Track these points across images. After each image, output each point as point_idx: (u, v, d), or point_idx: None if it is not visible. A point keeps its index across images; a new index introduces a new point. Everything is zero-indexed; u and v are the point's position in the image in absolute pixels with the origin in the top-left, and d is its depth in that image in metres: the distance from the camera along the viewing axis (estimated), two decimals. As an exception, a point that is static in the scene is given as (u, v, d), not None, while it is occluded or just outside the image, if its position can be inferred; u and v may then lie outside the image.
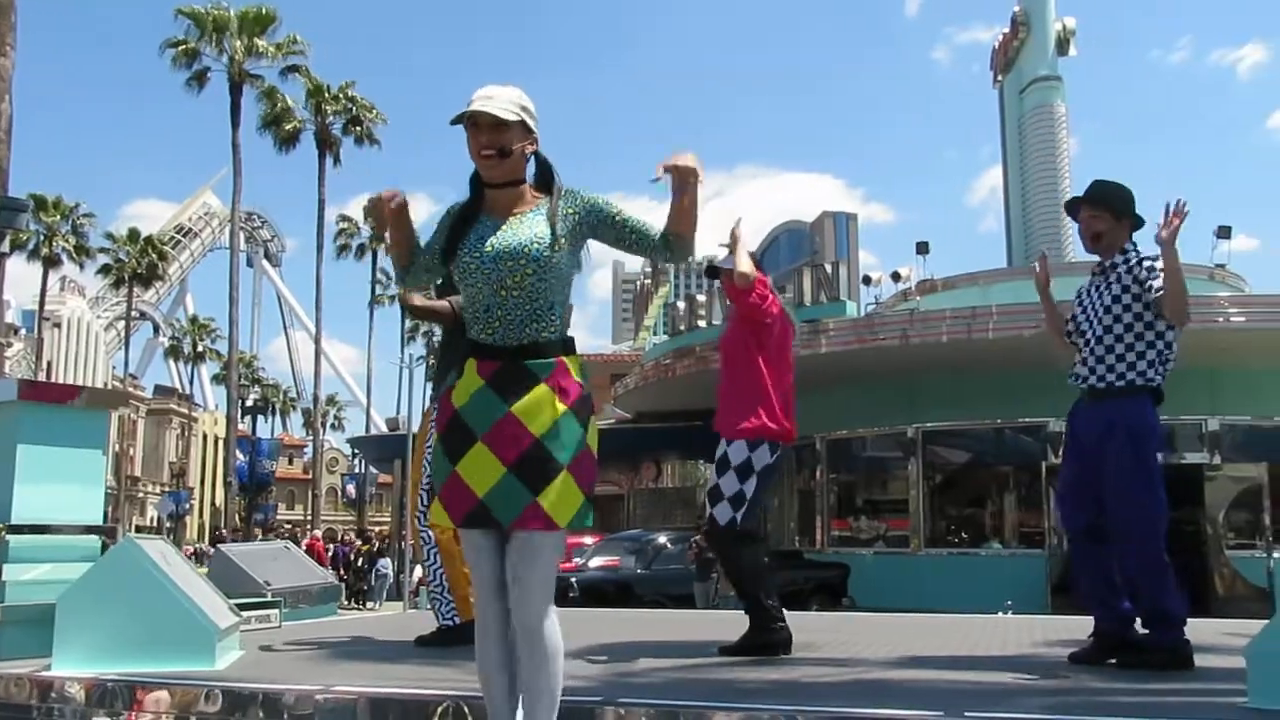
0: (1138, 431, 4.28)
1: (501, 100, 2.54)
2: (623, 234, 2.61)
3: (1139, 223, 4.55)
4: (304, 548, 23.82)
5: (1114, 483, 4.27)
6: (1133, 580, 4.30)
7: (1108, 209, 4.50)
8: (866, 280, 21.42)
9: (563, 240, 2.55)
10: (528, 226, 2.54)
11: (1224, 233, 20.82)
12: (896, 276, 21.54)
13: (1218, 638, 5.24)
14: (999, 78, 32.24)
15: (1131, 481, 4.25)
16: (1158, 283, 4.26)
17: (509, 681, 2.54)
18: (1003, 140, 32.55)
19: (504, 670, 2.54)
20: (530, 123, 2.58)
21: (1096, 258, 4.60)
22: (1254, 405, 16.73)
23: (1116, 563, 4.33)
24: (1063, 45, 30.89)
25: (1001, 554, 18.11)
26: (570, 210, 2.58)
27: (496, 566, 2.52)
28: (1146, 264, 4.35)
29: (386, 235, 2.64)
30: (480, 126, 2.55)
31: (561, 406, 2.46)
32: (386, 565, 24.25)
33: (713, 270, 5.20)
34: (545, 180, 2.65)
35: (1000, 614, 9.50)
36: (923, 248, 21.97)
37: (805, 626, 6.33)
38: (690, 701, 3.58)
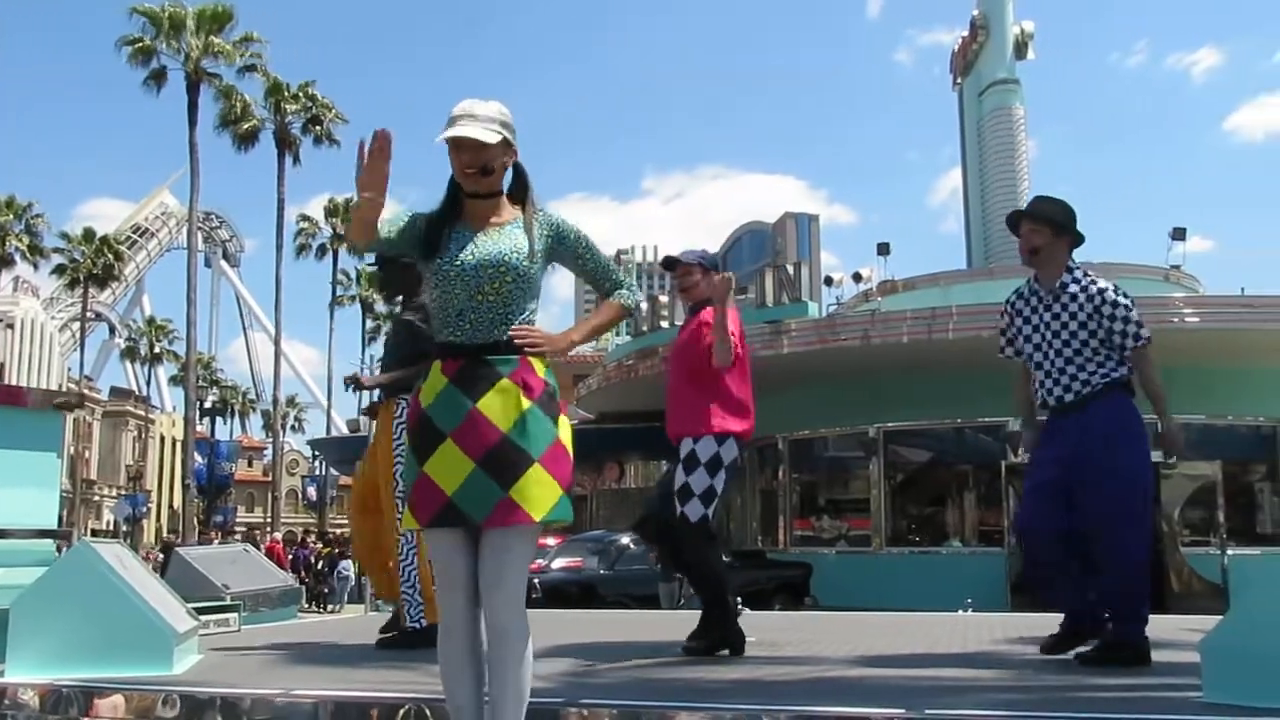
0: (1118, 428, 4.36)
1: (483, 120, 2.59)
2: (580, 270, 2.75)
3: (1078, 240, 4.63)
4: (263, 550, 23.63)
5: (1099, 480, 4.32)
6: (1115, 576, 4.33)
7: (1048, 224, 4.57)
8: (828, 281, 21.53)
9: (539, 254, 2.61)
10: (507, 238, 2.59)
11: (1179, 234, 21.13)
12: (858, 277, 21.67)
13: (1174, 634, 5.31)
14: (958, 80, 32.55)
15: (1117, 477, 4.33)
16: (1130, 343, 4.41)
17: (475, 685, 2.52)
18: (962, 143, 32.85)
19: (470, 672, 2.52)
20: (510, 138, 2.64)
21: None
22: (1208, 405, 16.96)
23: (1101, 559, 4.36)
24: (1021, 49, 31.22)
25: (962, 553, 18.27)
26: (544, 231, 2.66)
27: (464, 566, 2.51)
28: (1108, 305, 4.42)
29: (361, 182, 2.47)
30: (463, 147, 2.59)
31: (526, 402, 2.48)
32: (348, 567, 24.05)
33: (670, 262, 5.19)
34: (520, 189, 2.69)
35: (960, 612, 9.59)
36: (884, 249, 22.11)
37: (768, 626, 6.35)
38: (653, 702, 3.58)
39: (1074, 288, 4.49)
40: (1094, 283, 4.49)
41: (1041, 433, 4.65)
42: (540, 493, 2.43)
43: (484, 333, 2.53)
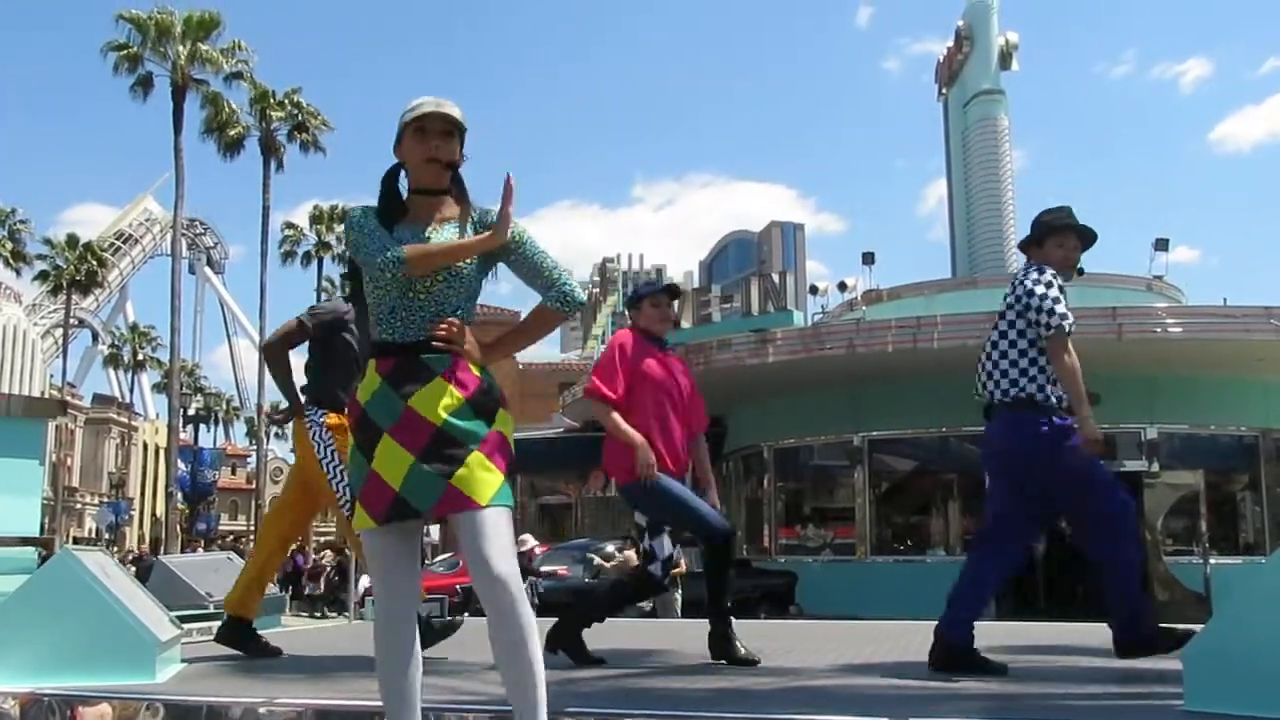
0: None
1: (449, 107, 2.58)
2: (516, 268, 2.63)
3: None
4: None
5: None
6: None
7: (1084, 242, 4.75)
8: (813, 290, 21.62)
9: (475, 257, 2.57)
10: (444, 236, 2.56)
11: (1162, 245, 21.32)
12: (843, 286, 21.76)
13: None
14: (943, 91, 32.72)
15: None
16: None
17: (417, 674, 2.51)
18: (947, 153, 33.02)
19: (414, 663, 2.51)
20: (463, 138, 2.64)
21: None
22: (1191, 414, 17.07)
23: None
24: (1005, 59, 31.43)
25: (946, 561, 18.31)
26: (483, 230, 2.59)
27: (408, 565, 2.52)
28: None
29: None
30: (430, 133, 2.56)
31: (460, 397, 2.46)
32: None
33: (674, 290, 5.28)
34: (459, 188, 2.67)
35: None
36: (869, 258, 22.20)
37: (753, 635, 6.35)
38: (637, 711, 3.59)
39: None
40: None
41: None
42: (482, 477, 2.42)
43: (416, 330, 2.50)
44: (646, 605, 13.76)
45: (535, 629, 2.41)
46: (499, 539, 2.41)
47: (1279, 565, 3.31)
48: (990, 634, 6.65)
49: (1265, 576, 3.36)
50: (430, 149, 2.57)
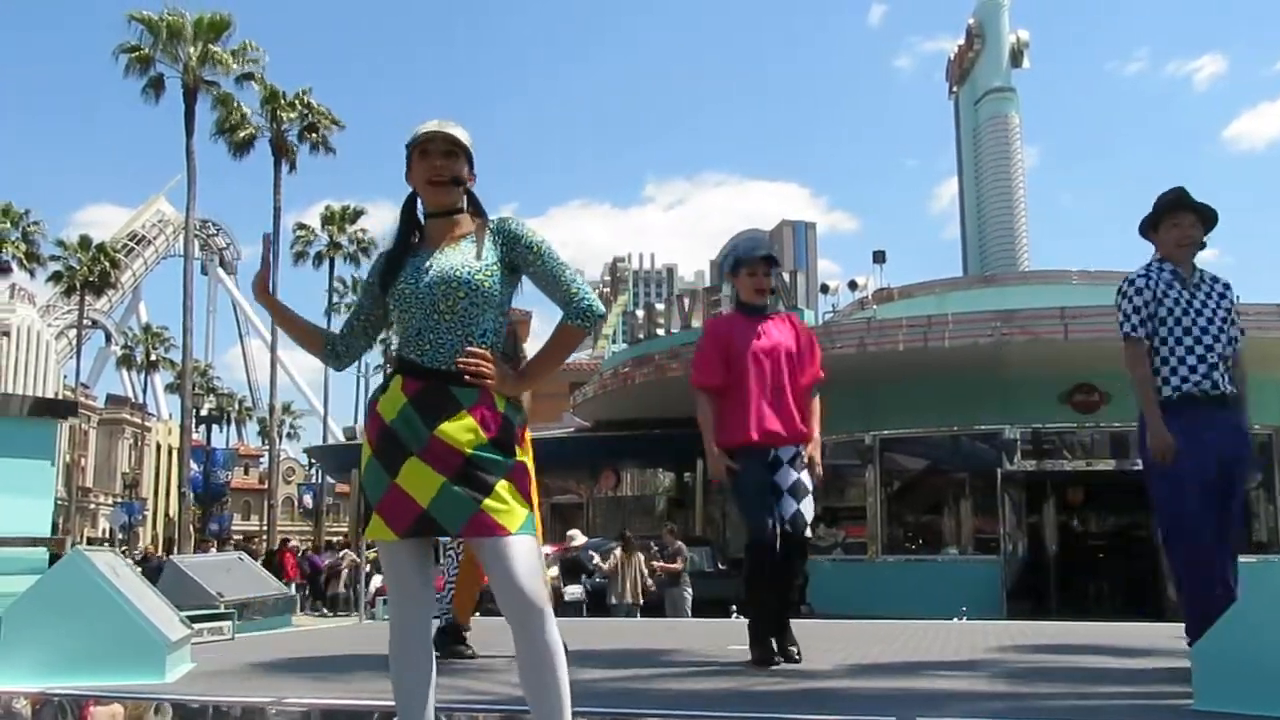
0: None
1: (452, 127, 2.60)
2: (532, 276, 2.61)
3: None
4: (275, 560, 23.42)
5: (1243, 489, 4.32)
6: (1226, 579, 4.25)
7: (1205, 221, 4.53)
8: (824, 289, 21.58)
9: (494, 266, 2.55)
10: (460, 253, 2.56)
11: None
12: (854, 285, 21.72)
13: (1167, 641, 5.32)
14: (954, 89, 32.63)
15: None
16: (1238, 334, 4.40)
17: (429, 684, 2.51)
18: (958, 151, 32.93)
19: (426, 673, 2.51)
20: (471, 157, 2.64)
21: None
22: (1203, 412, 16.98)
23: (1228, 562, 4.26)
24: (1016, 57, 31.32)
25: (958, 560, 18.27)
26: (499, 239, 2.59)
27: (422, 579, 2.52)
28: (1232, 297, 4.45)
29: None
30: (431, 153, 2.57)
31: (483, 436, 2.45)
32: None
33: (771, 259, 5.21)
34: (475, 208, 2.68)
35: (955, 620, 9.58)
36: (879, 256, 22.15)
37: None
38: (642, 710, 3.59)
39: (1209, 276, 4.48)
40: (1215, 274, 4.52)
41: (1188, 422, 4.30)
42: (512, 506, 2.43)
43: (446, 355, 2.49)
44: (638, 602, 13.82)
45: (561, 652, 2.42)
46: (526, 564, 2.42)
47: (1289, 564, 3.29)
48: (1001, 634, 6.64)
49: (1275, 576, 3.35)
50: (433, 170, 2.57)
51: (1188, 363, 4.32)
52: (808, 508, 4.79)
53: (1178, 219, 4.49)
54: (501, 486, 2.42)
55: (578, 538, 16.36)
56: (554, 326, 2.64)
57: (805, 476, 4.83)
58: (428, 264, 2.54)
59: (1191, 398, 4.28)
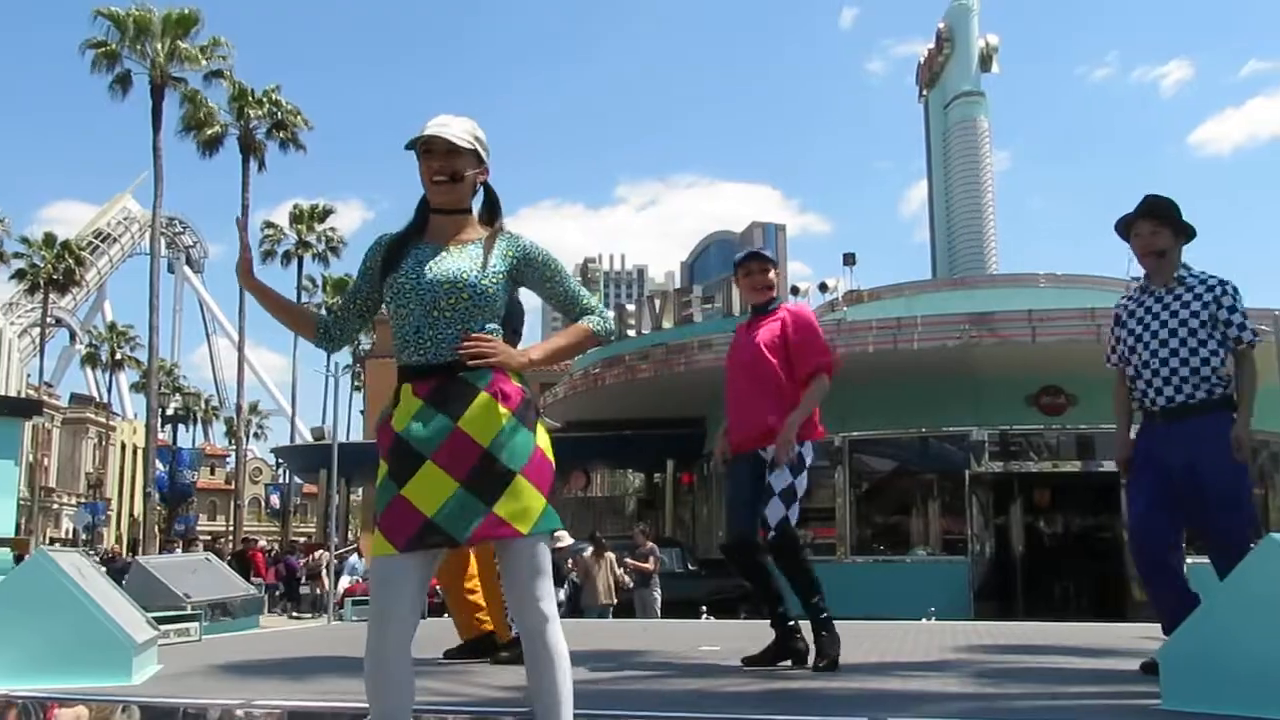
0: (1227, 444, 4.23)
1: (455, 128, 2.58)
2: (548, 295, 2.68)
3: (1191, 236, 4.55)
4: (245, 558, 23.13)
5: (1219, 495, 4.24)
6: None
7: (1169, 225, 4.47)
8: (795, 291, 21.64)
9: (500, 275, 2.56)
10: (467, 255, 2.55)
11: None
12: (824, 287, 21.82)
13: (1134, 642, 5.37)
14: (924, 92, 32.88)
15: (1238, 491, 4.29)
16: (1234, 332, 4.31)
17: (410, 694, 2.47)
18: (928, 154, 33.21)
19: (407, 684, 2.46)
20: (482, 153, 2.62)
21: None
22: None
23: (1215, 566, 4.29)
24: (986, 61, 31.62)
25: (926, 560, 18.38)
26: (509, 252, 2.60)
27: (415, 591, 2.45)
28: (1227, 301, 4.34)
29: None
30: (433, 153, 2.57)
31: (506, 412, 2.44)
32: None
33: (761, 256, 5.24)
34: (490, 211, 2.67)
35: (923, 620, 9.64)
36: (849, 259, 22.26)
37: (733, 635, 6.36)
38: (619, 711, 3.58)
39: (1190, 280, 4.41)
40: (1212, 275, 4.43)
41: (1142, 437, 4.45)
42: (526, 503, 2.41)
43: (448, 349, 2.48)
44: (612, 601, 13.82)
45: (567, 656, 2.43)
46: (537, 567, 2.43)
47: (1254, 565, 3.33)
48: (969, 634, 6.68)
49: (1241, 576, 3.38)
50: (433, 169, 2.58)
51: (1142, 379, 4.44)
52: (771, 510, 4.75)
53: (1137, 228, 4.52)
54: (517, 483, 2.41)
55: (564, 539, 16.34)
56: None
57: (773, 478, 4.80)
58: (431, 262, 2.54)
59: (1148, 413, 4.43)
